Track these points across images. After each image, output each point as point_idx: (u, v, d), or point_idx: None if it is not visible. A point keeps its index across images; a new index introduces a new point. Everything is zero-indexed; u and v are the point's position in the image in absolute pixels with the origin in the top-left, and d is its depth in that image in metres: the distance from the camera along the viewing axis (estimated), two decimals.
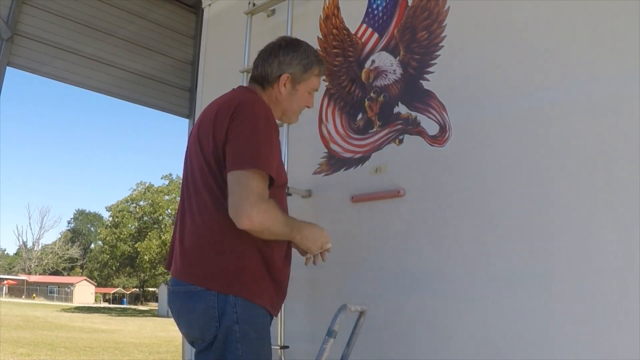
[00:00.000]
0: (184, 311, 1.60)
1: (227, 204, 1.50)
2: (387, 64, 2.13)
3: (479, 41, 1.85)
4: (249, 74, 2.51)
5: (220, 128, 1.55)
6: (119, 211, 33.60)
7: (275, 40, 1.80)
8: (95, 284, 45.19)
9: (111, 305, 40.27)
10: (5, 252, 59.09)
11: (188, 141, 1.80)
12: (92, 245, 53.78)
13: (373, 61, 2.18)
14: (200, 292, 1.54)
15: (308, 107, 1.83)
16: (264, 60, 1.74)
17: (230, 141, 1.52)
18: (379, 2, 2.20)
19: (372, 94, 2.16)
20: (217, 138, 1.56)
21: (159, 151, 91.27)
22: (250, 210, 1.45)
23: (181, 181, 1.80)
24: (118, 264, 34.48)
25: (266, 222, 1.49)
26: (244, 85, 2.48)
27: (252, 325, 1.54)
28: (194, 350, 1.60)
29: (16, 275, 47.87)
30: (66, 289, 44.47)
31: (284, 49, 1.73)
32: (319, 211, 2.24)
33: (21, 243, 52.75)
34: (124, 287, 46.51)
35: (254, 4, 2.61)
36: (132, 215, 33.32)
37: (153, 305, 37.91)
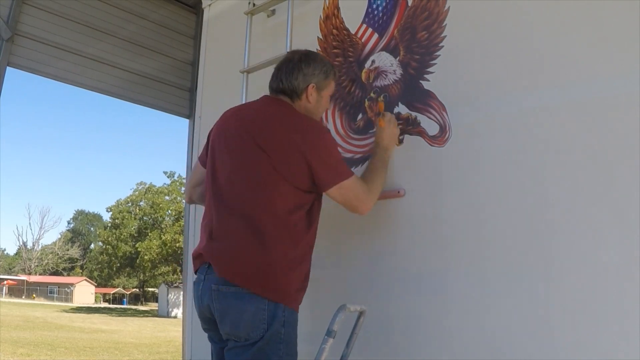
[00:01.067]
0: (232, 311, 1.63)
1: (287, 210, 1.68)
2: (387, 64, 2.13)
3: (479, 41, 1.85)
4: (249, 75, 2.53)
5: (291, 144, 1.69)
6: (120, 212, 33.63)
7: (289, 55, 1.92)
8: (95, 284, 45.20)
9: (111, 306, 40.29)
10: (5, 252, 59.21)
11: (214, 141, 1.86)
12: (92, 246, 53.78)
13: (373, 61, 2.18)
14: (253, 295, 1.61)
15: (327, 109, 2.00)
16: (289, 75, 1.83)
17: (318, 161, 1.70)
18: (379, 2, 2.20)
19: (372, 94, 2.16)
20: (283, 152, 1.70)
21: (159, 151, 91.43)
22: (366, 207, 1.80)
23: (206, 173, 1.87)
24: (119, 264, 34.50)
25: (377, 197, 1.85)
26: (244, 84, 2.49)
27: (294, 328, 1.67)
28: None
29: (16, 275, 47.90)
30: (66, 289, 44.49)
31: (305, 62, 1.85)
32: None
33: (21, 243, 52.85)
34: (124, 288, 46.52)
35: (254, 4, 2.61)
36: (132, 215, 33.34)
37: (153, 306, 37.93)
